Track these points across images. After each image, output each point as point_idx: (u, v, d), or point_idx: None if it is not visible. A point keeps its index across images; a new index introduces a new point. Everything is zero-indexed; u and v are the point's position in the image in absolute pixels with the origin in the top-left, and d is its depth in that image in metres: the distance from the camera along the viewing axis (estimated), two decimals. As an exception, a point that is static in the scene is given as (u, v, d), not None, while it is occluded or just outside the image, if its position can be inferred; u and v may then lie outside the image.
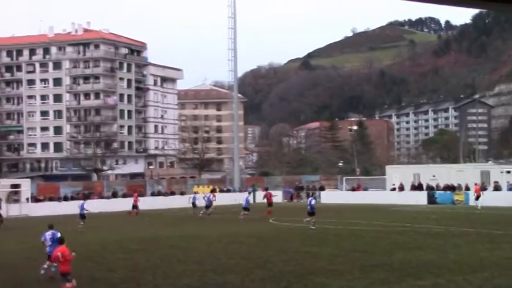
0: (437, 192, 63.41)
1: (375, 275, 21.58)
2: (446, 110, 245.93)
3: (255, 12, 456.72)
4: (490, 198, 54.90)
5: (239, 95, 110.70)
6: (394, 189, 66.91)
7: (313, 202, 40.57)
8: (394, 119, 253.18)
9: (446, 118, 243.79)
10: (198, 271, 23.54)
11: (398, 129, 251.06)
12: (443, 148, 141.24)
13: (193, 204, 55.54)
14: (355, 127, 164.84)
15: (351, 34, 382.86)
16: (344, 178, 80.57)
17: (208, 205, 52.23)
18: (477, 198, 54.48)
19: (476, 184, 57.61)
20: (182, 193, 73.46)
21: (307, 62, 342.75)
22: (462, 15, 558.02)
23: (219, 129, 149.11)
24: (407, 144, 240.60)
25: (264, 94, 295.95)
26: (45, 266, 23.01)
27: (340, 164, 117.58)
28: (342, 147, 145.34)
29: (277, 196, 74.41)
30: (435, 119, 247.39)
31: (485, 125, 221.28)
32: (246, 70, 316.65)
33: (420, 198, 61.78)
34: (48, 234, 23.72)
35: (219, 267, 24.28)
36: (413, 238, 32.64)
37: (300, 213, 51.95)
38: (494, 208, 51.96)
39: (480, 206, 53.05)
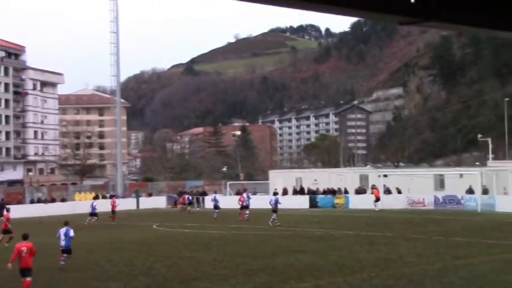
0: (319, 196, 64.68)
1: (259, 278, 21.79)
2: (327, 116, 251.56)
3: (138, 17, 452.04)
4: (370, 201, 56.46)
5: (122, 100, 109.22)
6: (275, 193, 67.64)
7: (277, 199, 44.09)
8: (276, 124, 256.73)
9: (327, 123, 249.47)
10: (79, 279, 23.06)
11: (281, 134, 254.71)
12: (324, 153, 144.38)
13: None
14: (238, 132, 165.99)
15: (234, 40, 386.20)
16: (228, 183, 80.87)
17: (93, 213, 50.83)
18: (377, 200, 55.82)
19: (374, 187, 58.93)
20: (63, 200, 71.69)
21: (191, 68, 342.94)
22: (341, 23, 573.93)
23: (101, 135, 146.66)
24: (289, 149, 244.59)
25: (147, 99, 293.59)
26: (62, 258, 25.66)
27: (224, 169, 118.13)
28: (225, 152, 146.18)
29: (161, 202, 74.19)
30: (316, 124, 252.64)
31: (363, 130, 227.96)
32: (129, 75, 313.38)
33: (302, 202, 62.77)
34: (63, 230, 26.27)
35: (101, 274, 23.86)
36: (295, 241, 33.15)
37: (184, 218, 51.83)
38: (372, 211, 53.49)
39: (379, 208, 54.39)
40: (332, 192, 64.22)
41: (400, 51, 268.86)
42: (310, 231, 38.69)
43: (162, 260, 27.12)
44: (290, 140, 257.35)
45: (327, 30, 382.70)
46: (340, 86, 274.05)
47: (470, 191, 56.09)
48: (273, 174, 77.12)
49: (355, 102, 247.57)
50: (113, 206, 54.64)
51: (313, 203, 62.97)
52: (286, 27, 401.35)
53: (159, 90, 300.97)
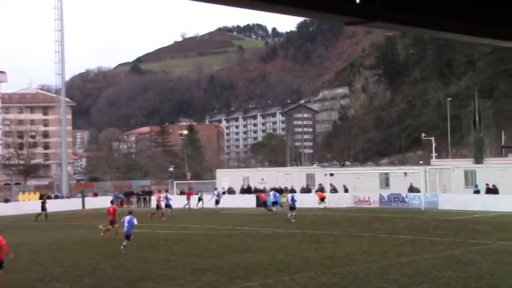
0: (269, 193, 64.77)
1: (206, 278, 21.77)
2: (273, 115, 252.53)
3: (83, 15, 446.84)
4: (314, 200, 56.86)
5: (67, 99, 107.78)
6: (224, 192, 67.67)
7: (295, 197, 45.64)
8: (223, 124, 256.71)
9: (274, 123, 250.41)
10: (24, 280, 22.70)
11: (228, 134, 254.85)
12: (271, 152, 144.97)
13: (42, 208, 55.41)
14: (185, 131, 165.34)
15: (180, 39, 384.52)
16: (175, 182, 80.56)
17: (168, 205, 52.35)
18: (322, 200, 56.29)
19: (318, 191, 59.41)
20: (6, 200, 70.39)
21: (137, 66, 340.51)
22: (288, 23, 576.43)
23: (46, 134, 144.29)
24: (236, 148, 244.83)
25: (93, 98, 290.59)
26: (124, 243, 29.68)
27: (171, 169, 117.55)
28: (172, 151, 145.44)
29: (107, 202, 73.26)
30: (263, 124, 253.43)
31: (310, 130, 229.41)
32: (74, 74, 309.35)
33: (249, 201, 62.91)
34: (127, 218, 30.53)
35: (46, 275, 23.52)
36: (242, 240, 33.21)
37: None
38: (320, 209, 53.90)
39: (323, 206, 54.83)
40: (279, 191, 64.46)
41: (345, 51, 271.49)
42: (257, 230, 38.79)
43: (108, 261, 26.88)
44: (237, 139, 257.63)
45: (274, 29, 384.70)
46: (286, 85, 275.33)
47: (411, 189, 57.03)
48: (220, 173, 77.10)
49: (302, 101, 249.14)
50: (158, 201, 53.72)
51: (260, 202, 63.10)
52: (233, 26, 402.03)
53: (105, 89, 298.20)
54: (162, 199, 53.11)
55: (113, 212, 37.50)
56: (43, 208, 55.22)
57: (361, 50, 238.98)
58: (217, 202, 60.18)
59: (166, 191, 65.61)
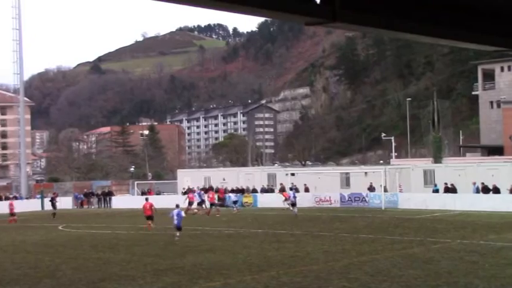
0: (227, 195, 64.78)
1: (167, 278, 21.69)
2: (235, 115, 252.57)
3: (42, 13, 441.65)
4: (278, 200, 56.96)
5: (26, 99, 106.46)
6: (185, 192, 67.40)
7: (295, 194, 49.76)
8: (185, 124, 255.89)
9: (235, 123, 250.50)
10: (-19, 284, 22.36)
11: (189, 134, 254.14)
12: (233, 152, 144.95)
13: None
14: (146, 132, 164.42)
15: (141, 39, 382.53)
16: (136, 183, 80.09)
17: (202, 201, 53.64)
18: (285, 200, 56.43)
19: (282, 189, 59.54)
20: (-38, 201, 69.25)
21: (97, 66, 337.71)
22: (249, 23, 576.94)
23: (4, 134, 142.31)
24: (198, 148, 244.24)
25: (52, 98, 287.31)
26: (178, 234, 32.26)
27: (132, 169, 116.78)
28: (133, 151, 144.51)
29: (68, 202, 72.59)
30: (224, 124, 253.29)
31: (271, 129, 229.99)
32: (33, 73, 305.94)
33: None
34: (175, 211, 33.10)
35: (4, 278, 23.19)
36: (204, 241, 33.17)
37: (91, 219, 50.99)
38: (280, 209, 53.97)
39: (288, 206, 55.01)
40: (240, 191, 64.49)
41: (306, 51, 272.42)
42: (219, 230, 38.76)
43: (68, 262, 26.60)
44: (198, 139, 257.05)
45: (235, 29, 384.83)
46: (248, 85, 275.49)
47: (371, 188, 57.51)
48: (181, 173, 76.87)
49: (263, 101, 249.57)
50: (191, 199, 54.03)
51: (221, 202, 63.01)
52: (194, 26, 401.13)
53: (65, 89, 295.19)
54: (195, 197, 53.88)
55: (150, 208, 39.38)
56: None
57: (321, 50, 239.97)
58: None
59: (199, 187, 63.64)
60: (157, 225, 39.36)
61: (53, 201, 58.78)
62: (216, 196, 56.73)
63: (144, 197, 49.16)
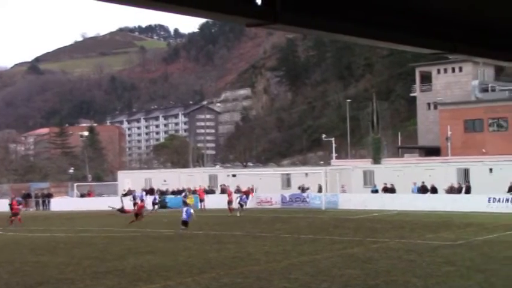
0: (168, 196, 64.54)
1: (107, 281, 21.46)
2: (176, 116, 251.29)
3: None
4: (217, 201, 57.00)
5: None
6: (125, 194, 66.79)
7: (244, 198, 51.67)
8: (125, 125, 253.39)
9: (176, 124, 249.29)
10: None
11: (129, 135, 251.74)
12: (174, 153, 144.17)
13: None
14: (86, 133, 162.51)
15: (81, 39, 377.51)
16: (75, 184, 79.05)
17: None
18: (201, 200, 56.74)
19: (199, 189, 59.78)
20: None
21: (35, 66, 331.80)
22: (190, 24, 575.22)
23: None
24: (138, 149, 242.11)
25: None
26: (182, 227, 37.41)
27: (71, 171, 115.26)
28: (72, 153, 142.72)
29: (5, 205, 70.99)
30: (166, 125, 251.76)
31: (213, 131, 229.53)
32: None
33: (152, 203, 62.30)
34: (185, 208, 38.96)
35: None
36: (145, 242, 32.91)
37: (28, 222, 50.04)
38: (222, 210, 53.96)
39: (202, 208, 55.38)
40: (181, 192, 64.27)
41: (247, 52, 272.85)
42: (159, 231, 38.55)
43: (5, 266, 26.04)
44: (139, 141, 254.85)
45: (176, 30, 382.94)
46: (189, 86, 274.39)
47: (303, 189, 58.35)
48: (121, 175, 76.24)
49: (204, 102, 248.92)
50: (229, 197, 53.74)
51: (162, 204, 62.75)
52: (135, 26, 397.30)
53: (1, 90, 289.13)
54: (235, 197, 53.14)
55: (139, 208, 44.78)
56: None
57: (262, 52, 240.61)
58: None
59: (238, 187, 62.00)
60: (97, 227, 38.89)
61: None
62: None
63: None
